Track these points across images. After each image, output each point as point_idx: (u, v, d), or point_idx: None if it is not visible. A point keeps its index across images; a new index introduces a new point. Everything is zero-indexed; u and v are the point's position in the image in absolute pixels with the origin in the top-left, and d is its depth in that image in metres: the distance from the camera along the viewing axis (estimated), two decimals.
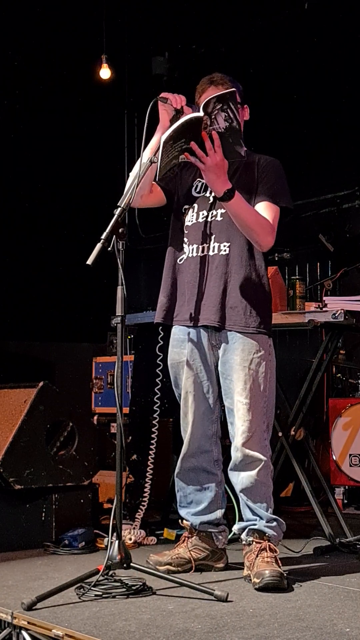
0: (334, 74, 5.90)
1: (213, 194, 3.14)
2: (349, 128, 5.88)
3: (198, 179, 3.26)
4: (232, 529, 3.22)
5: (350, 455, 4.67)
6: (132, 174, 3.17)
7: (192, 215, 3.22)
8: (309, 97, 6.09)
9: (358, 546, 3.56)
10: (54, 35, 6.46)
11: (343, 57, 5.83)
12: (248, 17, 6.15)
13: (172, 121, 3.12)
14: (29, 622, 2.55)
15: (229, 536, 3.32)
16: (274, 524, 3.08)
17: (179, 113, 3.11)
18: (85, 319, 6.65)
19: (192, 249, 3.18)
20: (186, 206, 3.25)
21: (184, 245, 3.22)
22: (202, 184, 3.24)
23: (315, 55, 5.96)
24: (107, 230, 2.85)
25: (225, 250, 3.13)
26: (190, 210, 3.23)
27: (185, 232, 3.23)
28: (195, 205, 3.22)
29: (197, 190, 3.25)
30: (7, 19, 6.23)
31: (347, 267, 5.27)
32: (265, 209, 3.11)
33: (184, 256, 3.21)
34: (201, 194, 3.23)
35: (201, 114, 2.88)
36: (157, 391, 3.56)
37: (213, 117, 2.89)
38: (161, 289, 3.27)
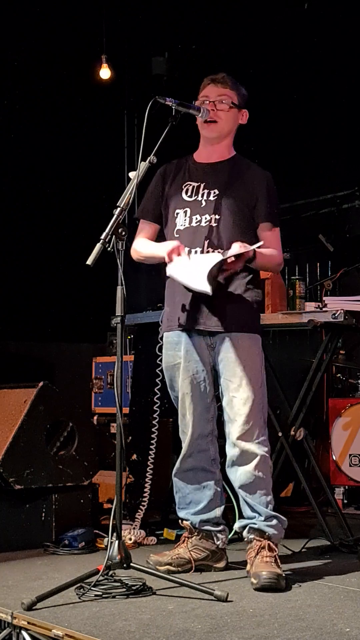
0: (334, 73, 5.90)
1: (205, 198, 3.15)
2: (348, 128, 5.88)
3: (188, 182, 3.23)
4: (234, 526, 3.23)
5: (350, 455, 4.66)
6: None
7: (185, 220, 3.18)
8: (308, 97, 6.09)
9: (358, 546, 3.56)
10: (53, 35, 6.45)
11: (343, 57, 5.83)
12: (248, 17, 6.14)
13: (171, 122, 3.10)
14: (29, 622, 2.55)
15: (230, 535, 3.32)
16: (274, 521, 3.08)
17: (178, 113, 3.10)
18: (85, 319, 6.63)
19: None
20: (178, 210, 3.22)
21: None
22: (193, 187, 3.21)
23: (315, 55, 5.96)
24: (107, 230, 2.85)
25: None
26: (182, 214, 3.20)
27: (176, 236, 3.19)
28: (188, 209, 3.18)
29: (189, 194, 3.21)
30: (7, 19, 6.23)
31: (347, 267, 5.26)
32: (271, 237, 3.18)
33: None
34: (193, 198, 3.20)
35: (220, 257, 2.98)
36: (157, 391, 3.55)
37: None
38: (165, 298, 3.29)
